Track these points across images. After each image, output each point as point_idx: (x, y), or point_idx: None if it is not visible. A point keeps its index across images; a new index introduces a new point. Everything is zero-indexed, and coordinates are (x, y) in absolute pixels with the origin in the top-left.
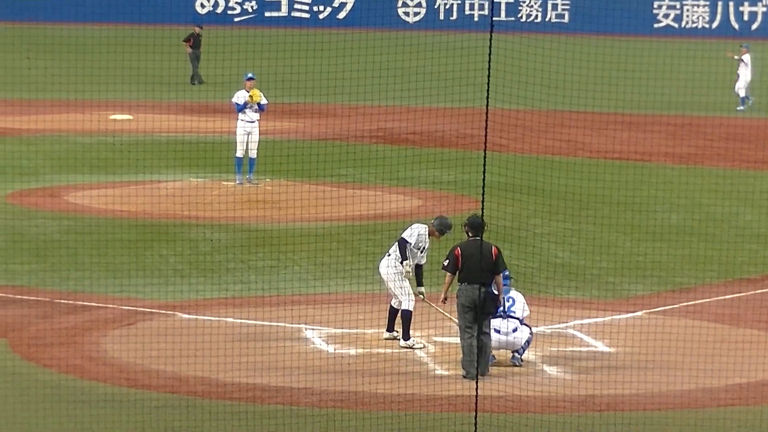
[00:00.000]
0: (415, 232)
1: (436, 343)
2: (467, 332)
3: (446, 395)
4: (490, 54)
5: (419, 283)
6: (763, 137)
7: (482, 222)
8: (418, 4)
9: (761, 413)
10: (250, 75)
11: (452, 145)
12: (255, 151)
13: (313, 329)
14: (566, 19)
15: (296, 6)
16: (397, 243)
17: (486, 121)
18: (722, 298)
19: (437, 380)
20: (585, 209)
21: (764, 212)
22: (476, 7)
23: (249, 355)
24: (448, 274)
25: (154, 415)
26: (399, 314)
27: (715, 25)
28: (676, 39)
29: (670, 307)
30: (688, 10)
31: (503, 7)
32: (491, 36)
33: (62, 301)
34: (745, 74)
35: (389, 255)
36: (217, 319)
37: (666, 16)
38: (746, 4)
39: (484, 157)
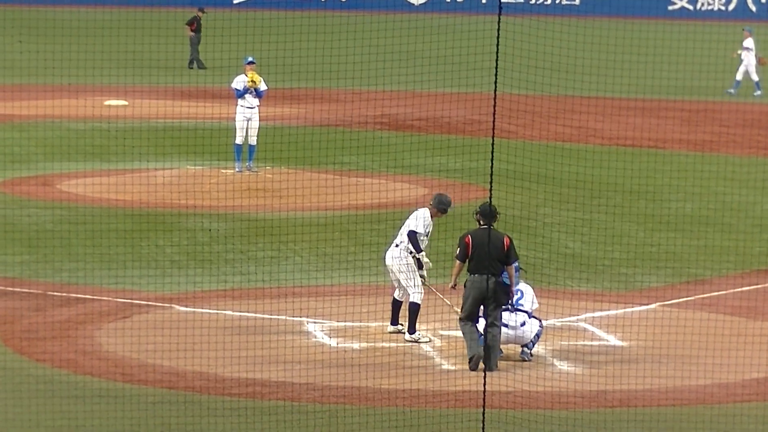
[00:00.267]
0: (421, 221)
1: (443, 336)
2: (467, 322)
3: (453, 391)
4: (498, 37)
5: (420, 266)
6: None
7: (494, 210)
8: None
9: None
10: (250, 59)
11: (459, 132)
12: (255, 138)
13: (315, 322)
14: (577, 1)
15: None
16: (406, 235)
17: (494, 106)
18: (739, 290)
19: (444, 375)
20: (596, 198)
21: None
22: None
23: (249, 349)
24: (458, 262)
25: (151, 411)
26: (404, 307)
27: (731, 7)
28: (691, 22)
29: (685, 299)
30: None
31: None
32: (499, 18)
33: (55, 293)
34: (748, 58)
35: (396, 245)
36: (215, 311)
37: None
38: None
39: (492, 144)
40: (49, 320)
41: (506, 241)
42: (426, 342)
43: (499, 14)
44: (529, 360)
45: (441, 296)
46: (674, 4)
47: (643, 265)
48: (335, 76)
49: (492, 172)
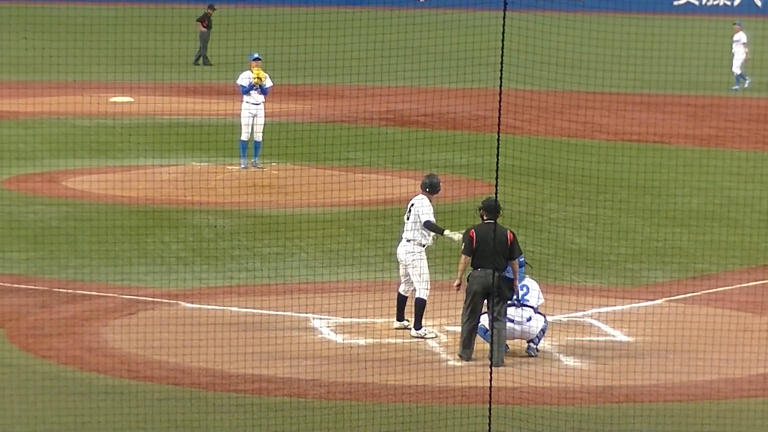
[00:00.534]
0: (428, 209)
1: (449, 332)
2: (470, 318)
3: (459, 386)
4: (503, 32)
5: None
6: None
7: (497, 205)
8: None
9: None
10: (255, 55)
11: (465, 128)
12: (260, 134)
13: (321, 318)
14: None
15: None
16: (420, 230)
17: (499, 102)
18: (745, 285)
19: (450, 371)
20: (602, 193)
21: None
22: None
23: (254, 346)
24: (464, 256)
25: (156, 408)
26: (409, 303)
27: (737, 2)
28: (697, 17)
29: (691, 294)
30: None
31: None
32: (504, 14)
33: (61, 290)
34: (739, 53)
35: (408, 241)
36: (221, 308)
37: None
38: None
39: (498, 140)
40: (55, 317)
41: (510, 235)
42: (432, 338)
43: (504, 10)
44: (535, 355)
45: (451, 236)
46: None
47: (649, 261)
48: (341, 72)
49: (498, 167)
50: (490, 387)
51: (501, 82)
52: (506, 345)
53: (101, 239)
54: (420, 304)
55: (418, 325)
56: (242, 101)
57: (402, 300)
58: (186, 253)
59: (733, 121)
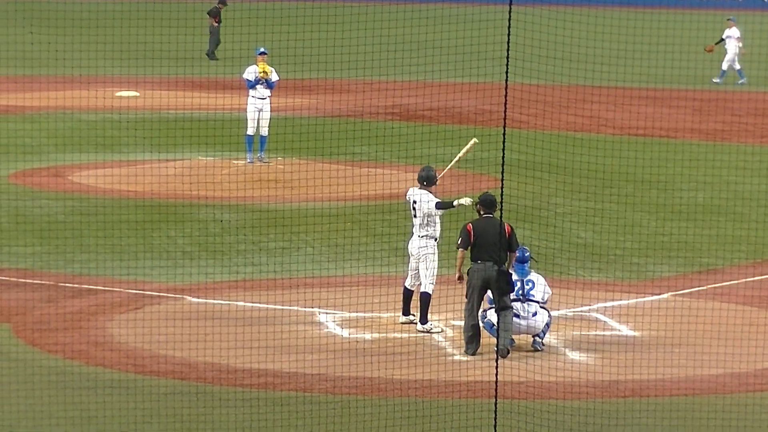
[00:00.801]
0: (428, 195)
1: (455, 327)
2: (471, 312)
3: (465, 381)
4: (509, 26)
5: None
6: None
7: (494, 199)
8: None
9: None
10: (261, 50)
11: (470, 122)
12: (266, 129)
13: (326, 313)
14: None
15: None
16: (432, 217)
17: (505, 96)
18: (751, 279)
19: (456, 365)
20: (608, 187)
21: None
22: None
23: (260, 340)
24: (461, 250)
25: (162, 402)
26: (415, 297)
27: None
28: (703, 11)
29: (697, 289)
30: None
31: None
32: (510, 8)
33: (67, 284)
34: (732, 48)
35: (421, 236)
36: (227, 302)
37: None
38: None
39: (504, 134)
40: (61, 311)
41: (508, 228)
42: (438, 332)
43: (510, 4)
44: (541, 350)
45: (463, 202)
46: None
47: (655, 255)
48: (346, 66)
49: (503, 162)
50: (496, 381)
51: (507, 77)
52: (512, 339)
53: (107, 234)
54: (425, 299)
55: (423, 320)
56: (248, 96)
57: (408, 294)
58: (192, 247)
59: (740, 115)
